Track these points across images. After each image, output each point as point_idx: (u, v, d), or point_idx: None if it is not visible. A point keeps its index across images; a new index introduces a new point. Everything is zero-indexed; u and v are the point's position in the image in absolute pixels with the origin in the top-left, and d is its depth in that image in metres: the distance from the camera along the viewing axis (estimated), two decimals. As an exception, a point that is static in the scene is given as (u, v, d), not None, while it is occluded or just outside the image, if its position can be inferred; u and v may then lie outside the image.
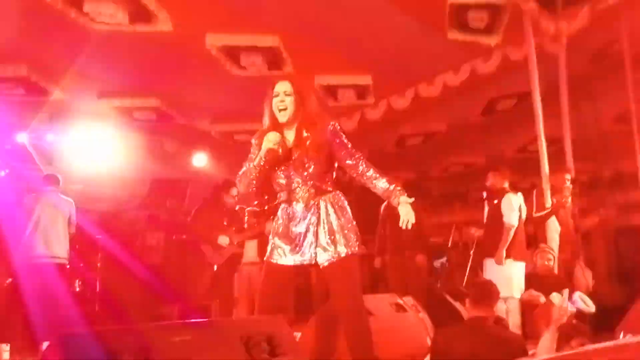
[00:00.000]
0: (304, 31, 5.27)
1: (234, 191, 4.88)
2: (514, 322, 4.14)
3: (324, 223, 2.56)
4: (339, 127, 2.68)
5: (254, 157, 2.63)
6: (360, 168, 2.59)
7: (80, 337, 1.50)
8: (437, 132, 7.61)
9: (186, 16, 4.85)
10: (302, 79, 3.28)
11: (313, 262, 2.57)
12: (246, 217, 6.16)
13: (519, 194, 4.68)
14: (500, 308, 3.90)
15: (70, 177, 6.36)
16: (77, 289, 5.17)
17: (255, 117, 2.91)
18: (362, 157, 2.62)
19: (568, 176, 5.06)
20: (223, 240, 4.74)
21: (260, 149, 2.59)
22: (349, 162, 2.61)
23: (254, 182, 2.63)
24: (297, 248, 2.57)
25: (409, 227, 2.56)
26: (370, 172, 2.58)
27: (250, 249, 6.16)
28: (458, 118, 7.18)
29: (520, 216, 4.53)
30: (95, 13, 4.60)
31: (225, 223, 4.90)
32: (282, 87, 2.62)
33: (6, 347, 4.21)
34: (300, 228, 2.57)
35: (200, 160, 7.49)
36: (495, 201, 4.58)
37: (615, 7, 4.92)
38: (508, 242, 4.38)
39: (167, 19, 4.81)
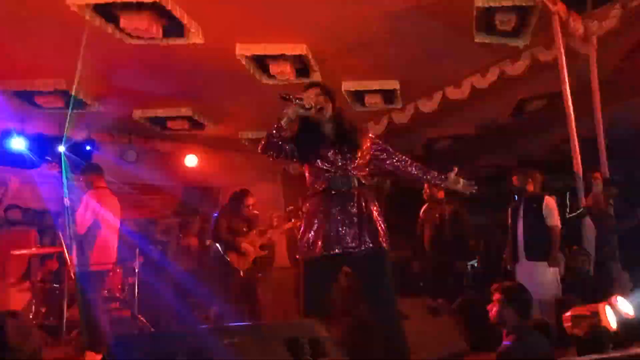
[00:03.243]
0: (331, 39, 5.36)
1: (250, 200, 4.99)
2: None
3: (358, 214, 2.60)
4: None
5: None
6: (406, 161, 2.84)
7: (138, 339, 1.60)
8: (466, 135, 7.58)
9: (217, 28, 4.99)
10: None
11: (348, 252, 2.58)
12: (275, 221, 6.29)
13: (554, 197, 4.66)
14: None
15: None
16: (117, 294, 5.34)
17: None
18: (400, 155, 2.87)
19: (601, 176, 4.99)
20: (247, 247, 4.83)
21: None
22: (391, 161, 2.83)
23: (274, 143, 2.61)
24: (333, 240, 2.58)
25: (474, 190, 2.81)
26: (416, 163, 2.85)
27: (281, 254, 6.29)
28: (487, 120, 7.15)
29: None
30: (130, 28, 4.77)
31: (245, 229, 5.00)
32: (313, 91, 2.72)
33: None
34: (334, 220, 2.60)
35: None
36: (534, 204, 4.56)
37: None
38: (558, 243, 4.38)
39: (199, 31, 4.96)
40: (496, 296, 3.04)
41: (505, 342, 2.86)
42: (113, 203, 4.89)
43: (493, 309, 3.02)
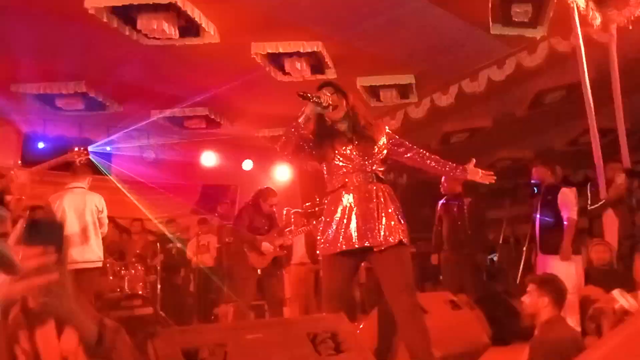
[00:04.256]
0: (345, 35, 5.36)
1: (273, 200, 4.97)
2: (573, 319, 4.06)
3: (376, 210, 2.60)
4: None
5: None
6: (423, 154, 2.82)
7: (166, 335, 1.64)
8: (483, 128, 7.52)
9: (232, 28, 5.03)
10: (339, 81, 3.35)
11: (368, 248, 2.58)
12: (292, 219, 6.32)
13: (573, 188, 4.59)
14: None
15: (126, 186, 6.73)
16: (140, 292, 5.43)
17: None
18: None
19: (622, 167, 4.90)
20: (266, 247, 4.83)
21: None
22: (409, 155, 2.81)
23: (293, 142, 2.62)
24: (353, 235, 2.59)
25: (492, 180, 2.79)
26: (433, 156, 2.83)
27: (299, 250, 6.32)
28: (504, 113, 7.07)
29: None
30: (147, 29, 4.83)
31: (266, 227, 5.01)
32: (324, 91, 2.71)
33: None
34: (354, 216, 2.60)
35: (248, 165, 7.72)
36: (549, 197, 4.49)
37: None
38: (572, 237, 4.29)
39: (215, 31, 5.00)
40: (531, 287, 3.03)
41: (540, 332, 2.85)
42: (73, 203, 4.57)
43: (527, 300, 3.01)
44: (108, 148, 6.88)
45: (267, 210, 4.91)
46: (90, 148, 6.65)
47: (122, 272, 5.52)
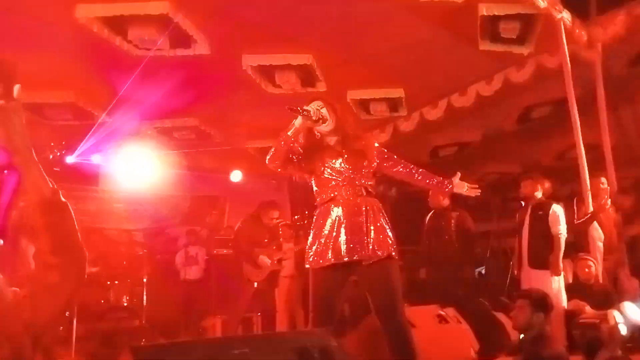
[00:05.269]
0: (336, 48, 5.40)
1: (274, 214, 4.95)
2: (559, 333, 4.08)
3: (365, 223, 2.62)
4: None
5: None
6: (411, 168, 2.84)
7: (151, 350, 1.62)
8: (471, 142, 7.58)
9: (223, 39, 5.05)
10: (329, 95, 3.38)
11: (357, 261, 2.60)
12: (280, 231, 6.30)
13: (560, 203, 4.65)
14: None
15: (114, 196, 6.66)
16: (125, 304, 5.36)
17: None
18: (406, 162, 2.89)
19: (605, 181, 4.98)
20: (264, 261, 4.81)
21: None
22: (397, 168, 2.83)
23: (282, 154, 2.66)
24: (341, 249, 2.60)
25: (478, 193, 2.83)
26: (421, 170, 2.86)
27: (288, 263, 6.28)
28: (492, 127, 7.14)
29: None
30: (138, 40, 4.83)
31: (265, 240, 4.99)
32: (314, 105, 2.74)
33: None
34: (342, 229, 2.61)
35: (237, 176, 7.69)
36: (540, 212, 4.54)
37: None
38: (562, 253, 4.35)
39: (206, 43, 5.01)
40: (522, 302, 3.03)
41: (532, 347, 2.87)
42: None
43: (519, 315, 3.01)
44: (96, 158, 6.82)
45: (268, 224, 4.90)
46: (78, 158, 6.65)
47: (108, 283, 5.45)
